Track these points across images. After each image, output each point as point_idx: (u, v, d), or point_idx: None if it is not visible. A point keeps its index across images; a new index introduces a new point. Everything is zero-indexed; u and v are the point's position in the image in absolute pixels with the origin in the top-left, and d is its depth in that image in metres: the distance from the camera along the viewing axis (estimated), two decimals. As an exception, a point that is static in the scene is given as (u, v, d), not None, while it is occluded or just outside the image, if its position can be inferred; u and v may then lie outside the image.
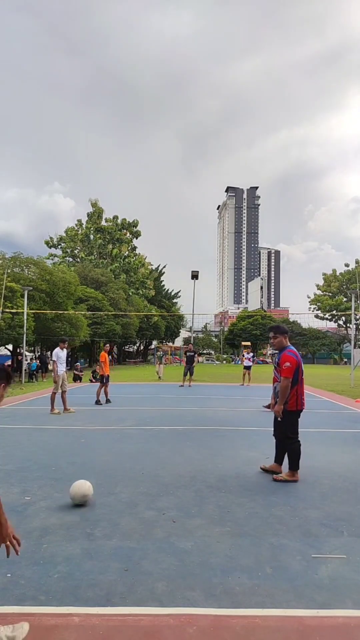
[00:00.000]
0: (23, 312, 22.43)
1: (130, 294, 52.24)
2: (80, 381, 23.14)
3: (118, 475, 5.30)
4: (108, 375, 12.95)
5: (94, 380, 23.16)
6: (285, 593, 2.74)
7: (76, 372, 24.13)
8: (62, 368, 10.99)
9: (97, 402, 12.57)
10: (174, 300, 75.01)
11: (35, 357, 34.22)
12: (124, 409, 11.77)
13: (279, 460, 5.49)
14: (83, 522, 3.84)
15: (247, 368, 21.42)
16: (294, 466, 5.24)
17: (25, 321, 22.31)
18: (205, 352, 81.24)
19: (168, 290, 74.58)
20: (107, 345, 13.57)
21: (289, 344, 5.47)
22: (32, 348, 40.32)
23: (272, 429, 5.61)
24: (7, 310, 22.04)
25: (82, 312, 31.75)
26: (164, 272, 73.98)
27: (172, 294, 75.21)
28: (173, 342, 77.50)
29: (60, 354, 10.98)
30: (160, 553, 3.27)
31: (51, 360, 11.16)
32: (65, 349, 11.24)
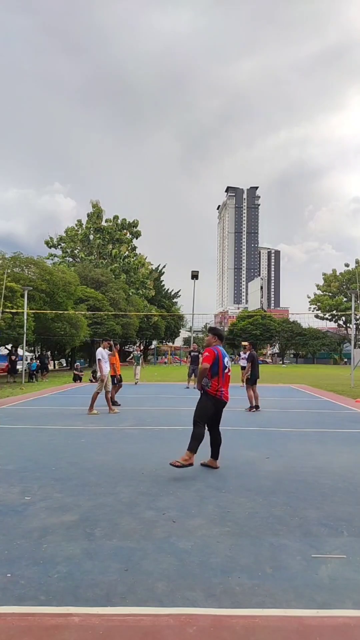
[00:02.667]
0: (23, 312, 22.44)
1: (130, 294, 52.25)
2: (80, 381, 23.14)
3: (118, 476, 5.30)
4: (120, 376, 12.84)
5: (93, 381, 23.17)
6: (285, 593, 2.74)
7: (76, 372, 24.14)
8: (107, 367, 10.94)
9: (115, 403, 12.43)
10: (174, 300, 75.03)
11: (35, 357, 34.21)
12: (125, 409, 11.77)
13: (214, 455, 5.75)
14: (83, 522, 3.84)
15: (243, 369, 21.14)
16: (190, 447, 5.35)
17: (25, 321, 22.31)
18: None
19: (168, 290, 74.59)
20: (110, 342, 13.43)
21: (219, 344, 5.86)
22: (32, 348, 40.29)
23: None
24: (7, 310, 22.03)
25: (82, 312, 31.76)
26: (164, 272, 74.00)
27: (172, 293, 75.21)
28: (173, 342, 77.52)
29: (104, 354, 10.95)
30: (160, 553, 3.27)
31: (97, 359, 11.00)
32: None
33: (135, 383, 21.59)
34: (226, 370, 5.69)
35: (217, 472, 5.49)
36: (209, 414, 5.60)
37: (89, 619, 2.43)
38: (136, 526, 3.77)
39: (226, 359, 5.74)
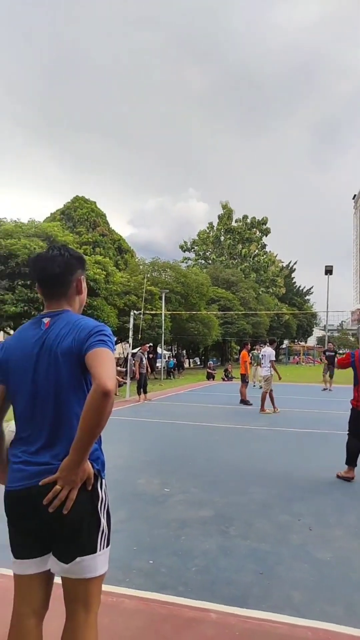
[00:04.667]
0: (161, 314, 23.80)
1: (260, 292, 51.71)
2: (213, 379, 23.68)
3: (252, 475, 5.28)
4: (246, 375, 12.90)
5: (225, 379, 23.49)
6: None
7: (209, 371, 24.76)
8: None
9: (244, 402, 12.45)
10: (306, 298, 72.03)
11: (172, 355, 35.97)
12: (255, 409, 11.66)
13: None
14: (218, 518, 3.92)
15: None
16: (346, 460, 5.21)
17: (163, 322, 23.64)
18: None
19: (299, 287, 71.97)
20: (248, 344, 13.65)
21: None
22: (170, 347, 42.40)
23: None
24: (147, 312, 23.57)
25: (214, 312, 32.41)
26: (294, 269, 71.61)
27: (304, 291, 72.35)
28: (306, 342, 74.47)
29: (273, 354, 11.06)
30: (296, 560, 3.17)
31: (270, 360, 10.99)
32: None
33: (254, 385, 18.34)
34: None
35: (358, 482, 5.12)
36: (357, 425, 5.24)
37: (226, 618, 2.46)
38: (270, 529, 3.72)
39: None
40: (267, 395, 10.81)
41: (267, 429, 8.63)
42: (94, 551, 1.58)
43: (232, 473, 5.41)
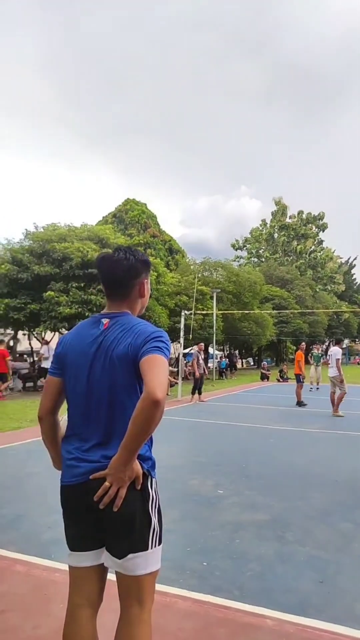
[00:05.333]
0: (212, 313, 23.71)
1: (318, 290, 50.15)
2: (267, 380, 23.25)
3: (309, 480, 5.10)
4: (301, 375, 12.56)
5: (281, 380, 22.99)
6: None
7: (263, 371, 24.34)
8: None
9: (300, 404, 12.14)
10: (368, 295, 68.96)
11: (224, 355, 35.75)
12: (312, 410, 11.31)
13: None
14: (274, 523, 3.81)
15: None
16: None
17: (214, 322, 23.54)
18: None
19: (360, 284, 68.99)
20: (303, 344, 13.32)
21: None
22: (222, 347, 42.16)
23: None
24: (199, 312, 23.58)
25: (268, 312, 31.85)
26: (354, 265, 68.77)
27: (365, 288, 69.30)
28: (367, 341, 71.27)
29: (341, 354, 10.59)
30: (359, 571, 3.01)
31: (335, 359, 10.30)
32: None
33: (311, 384, 17.64)
34: None
35: None
36: None
37: (283, 625, 2.37)
38: (331, 537, 3.56)
39: None
40: (334, 397, 10.42)
41: (325, 432, 8.33)
42: (145, 549, 1.57)
43: (289, 477, 5.25)
